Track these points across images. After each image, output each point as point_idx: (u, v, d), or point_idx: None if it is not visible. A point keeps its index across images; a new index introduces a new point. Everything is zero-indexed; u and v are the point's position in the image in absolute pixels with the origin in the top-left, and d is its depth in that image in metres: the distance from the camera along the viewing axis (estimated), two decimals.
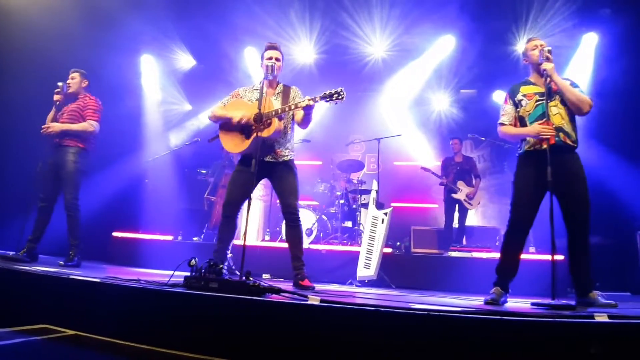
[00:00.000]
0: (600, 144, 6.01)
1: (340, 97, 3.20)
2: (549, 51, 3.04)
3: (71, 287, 2.53)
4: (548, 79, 3.01)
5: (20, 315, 2.43)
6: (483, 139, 7.26)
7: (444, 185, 6.75)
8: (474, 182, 6.69)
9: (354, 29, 6.80)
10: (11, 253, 4.02)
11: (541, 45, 3.12)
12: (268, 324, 2.05)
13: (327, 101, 3.25)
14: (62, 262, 4.03)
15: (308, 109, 3.32)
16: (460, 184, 6.61)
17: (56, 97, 4.26)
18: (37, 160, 4.26)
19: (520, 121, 3.16)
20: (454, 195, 6.59)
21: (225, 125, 3.52)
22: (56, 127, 4.16)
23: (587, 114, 3.05)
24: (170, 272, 2.68)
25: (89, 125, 4.24)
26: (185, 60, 7.94)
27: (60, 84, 4.27)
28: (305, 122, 3.50)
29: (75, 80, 4.35)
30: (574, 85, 3.10)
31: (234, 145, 3.48)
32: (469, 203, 6.54)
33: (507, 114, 3.21)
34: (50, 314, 2.42)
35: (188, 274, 2.51)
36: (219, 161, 7.11)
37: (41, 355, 1.97)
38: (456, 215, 6.65)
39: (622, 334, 1.76)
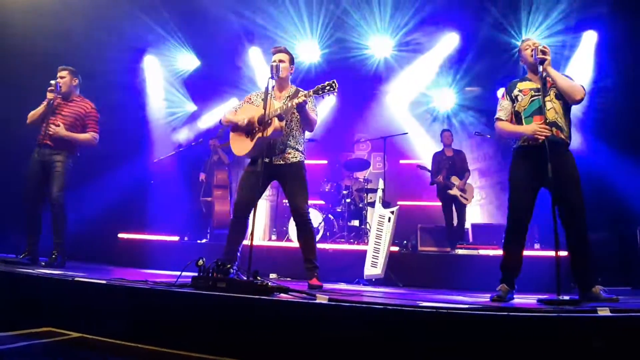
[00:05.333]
0: (602, 141, 5.98)
1: (332, 89, 3.18)
2: (542, 52, 3.02)
3: (76, 290, 2.52)
4: (544, 74, 3.02)
5: (24, 318, 2.42)
6: (489, 136, 7.21)
7: (436, 184, 6.52)
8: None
9: (359, 29, 6.80)
10: (12, 256, 3.96)
11: (534, 44, 3.12)
12: (276, 323, 2.04)
13: (319, 95, 3.23)
14: (44, 263, 3.90)
15: (300, 107, 3.26)
16: (454, 179, 6.40)
17: (49, 96, 4.06)
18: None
19: (516, 116, 3.17)
20: (450, 192, 6.36)
21: (234, 129, 3.58)
22: (61, 132, 4.02)
23: (581, 102, 3.07)
24: (178, 273, 2.68)
25: (93, 138, 4.20)
26: (189, 61, 7.94)
27: (53, 82, 4.09)
28: (304, 122, 3.48)
29: (65, 79, 4.16)
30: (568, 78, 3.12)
31: (240, 148, 3.52)
32: (465, 198, 6.38)
33: (504, 109, 3.23)
34: (54, 316, 2.40)
35: (195, 274, 2.51)
36: (207, 159, 7.07)
37: (45, 358, 1.96)
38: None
39: (624, 327, 1.79)
